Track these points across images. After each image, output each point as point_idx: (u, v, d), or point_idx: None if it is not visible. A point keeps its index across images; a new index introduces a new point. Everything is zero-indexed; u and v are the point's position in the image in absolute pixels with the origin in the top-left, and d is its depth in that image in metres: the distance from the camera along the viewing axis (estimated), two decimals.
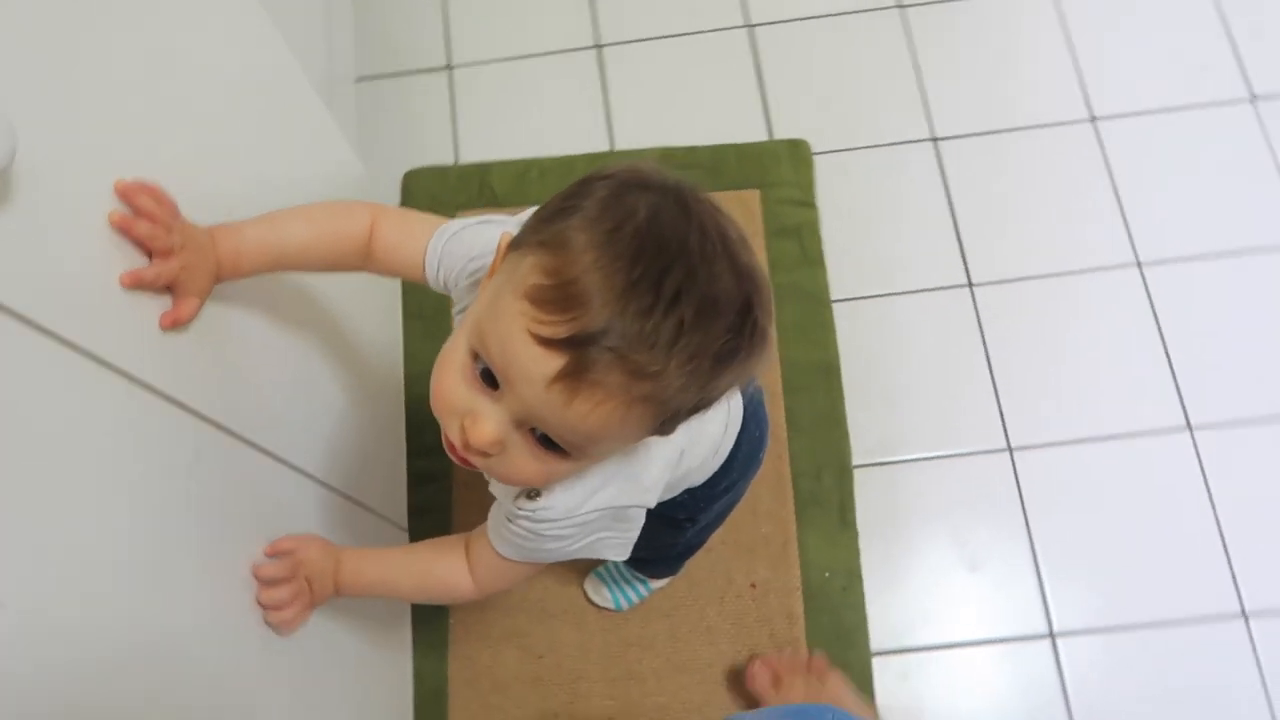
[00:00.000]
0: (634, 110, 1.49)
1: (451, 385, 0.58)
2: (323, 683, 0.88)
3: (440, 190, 1.46)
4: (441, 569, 0.77)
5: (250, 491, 0.77)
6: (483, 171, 1.47)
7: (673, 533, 0.97)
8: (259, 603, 0.74)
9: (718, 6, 1.54)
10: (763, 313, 0.56)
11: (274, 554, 0.76)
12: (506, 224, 0.71)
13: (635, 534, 0.74)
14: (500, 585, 0.77)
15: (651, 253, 0.52)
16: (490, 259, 0.64)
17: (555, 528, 0.69)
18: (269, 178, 0.89)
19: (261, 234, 0.71)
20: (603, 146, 1.47)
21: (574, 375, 0.52)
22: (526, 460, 0.58)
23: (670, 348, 0.52)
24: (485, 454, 0.59)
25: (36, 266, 0.52)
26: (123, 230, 0.61)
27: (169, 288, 0.66)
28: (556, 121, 1.49)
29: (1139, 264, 1.35)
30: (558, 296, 0.52)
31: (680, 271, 0.52)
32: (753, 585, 1.27)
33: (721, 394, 0.59)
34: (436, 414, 0.60)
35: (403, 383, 1.34)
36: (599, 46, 1.53)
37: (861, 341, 1.35)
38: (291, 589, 0.76)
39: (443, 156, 1.48)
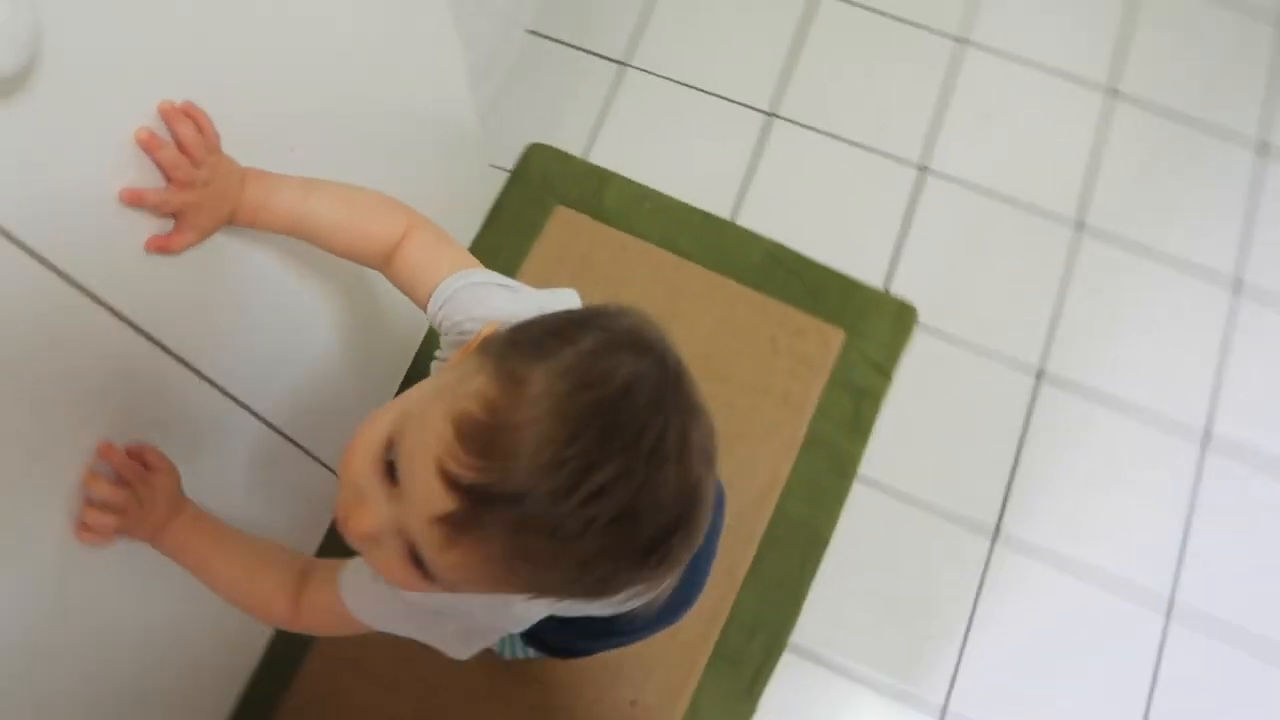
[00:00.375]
0: (771, 192, 1.43)
1: (359, 460, 0.54)
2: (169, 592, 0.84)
3: (556, 176, 1.42)
4: (268, 585, 0.73)
5: (176, 411, 0.74)
6: (603, 178, 1.43)
7: (558, 632, 0.91)
8: (85, 488, 0.67)
9: (902, 135, 1.47)
10: (683, 542, 0.51)
11: (135, 456, 0.70)
12: (522, 304, 0.66)
13: (484, 645, 0.69)
14: (319, 630, 0.74)
15: (597, 433, 0.48)
16: (481, 328, 0.59)
17: (410, 605, 0.65)
18: (359, 99, 0.86)
19: (291, 200, 0.69)
20: (724, 212, 1.42)
21: (460, 526, 0.48)
22: (394, 565, 0.54)
23: (568, 543, 0.48)
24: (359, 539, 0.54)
25: (30, 162, 0.50)
26: (147, 151, 0.59)
27: (173, 215, 0.62)
28: (696, 166, 1.44)
29: (1170, 608, 1.25)
30: (482, 438, 0.48)
31: (616, 467, 0.48)
32: (633, 703, 1.23)
33: (610, 599, 0.53)
34: (339, 477, 0.56)
35: (421, 337, 1.29)
36: (771, 115, 1.47)
37: (864, 529, 1.28)
38: (126, 499, 0.69)
39: (573, 145, 1.44)
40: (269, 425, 0.90)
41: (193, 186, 0.61)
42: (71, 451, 0.66)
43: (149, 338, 0.67)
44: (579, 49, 1.50)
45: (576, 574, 0.49)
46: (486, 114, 1.42)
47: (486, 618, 0.66)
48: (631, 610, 0.83)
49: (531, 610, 0.67)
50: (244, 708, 1.21)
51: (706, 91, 1.48)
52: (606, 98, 1.48)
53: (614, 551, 0.49)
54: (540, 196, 1.42)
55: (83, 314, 0.60)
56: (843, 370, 1.34)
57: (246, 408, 0.84)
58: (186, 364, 0.73)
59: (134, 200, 0.59)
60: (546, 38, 1.50)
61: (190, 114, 0.60)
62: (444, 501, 0.48)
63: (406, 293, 0.72)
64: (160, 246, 0.63)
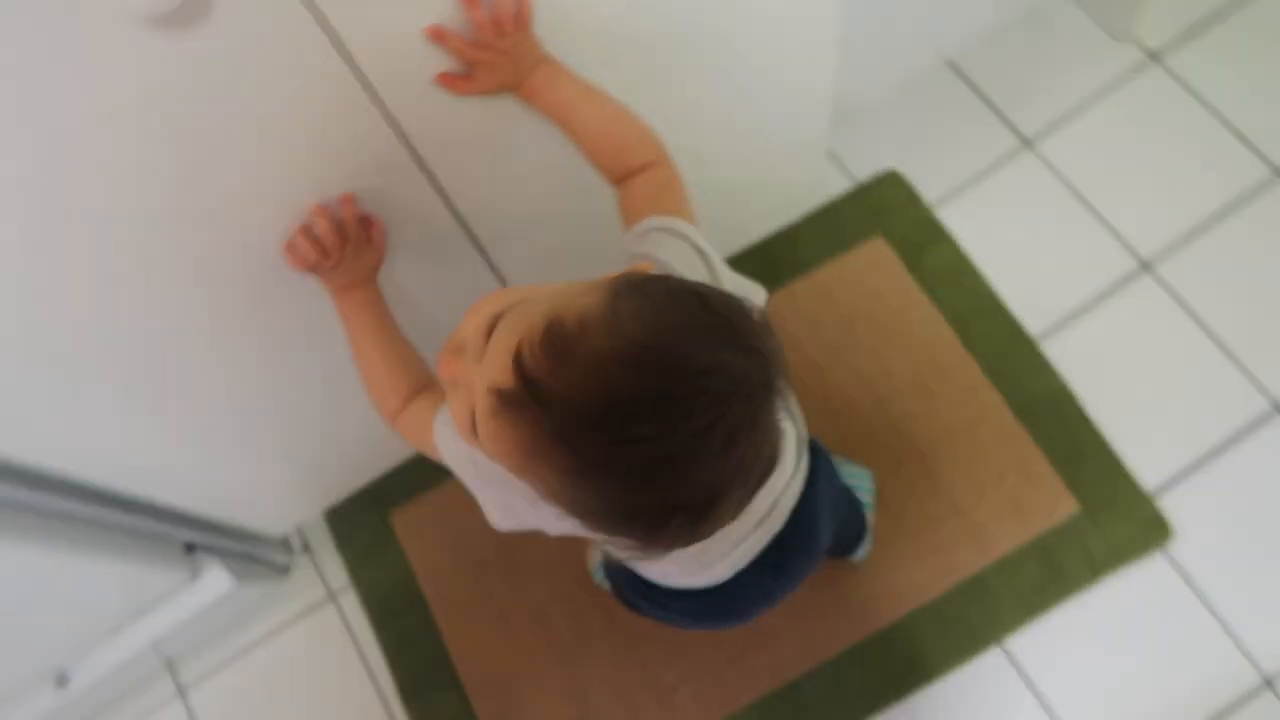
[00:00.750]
0: (1095, 338, 1.38)
1: (472, 320, 0.61)
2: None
3: (895, 209, 1.48)
4: (393, 381, 0.84)
5: (412, 219, 0.91)
6: (938, 235, 1.45)
7: (619, 571, 0.97)
8: (310, 218, 0.80)
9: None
10: (682, 527, 0.56)
11: (364, 223, 0.84)
12: (699, 271, 0.72)
13: (519, 527, 0.77)
14: (405, 438, 0.85)
15: (656, 391, 0.53)
16: (645, 265, 0.66)
17: (475, 460, 0.74)
18: (705, 34, 0.93)
19: (568, 96, 0.79)
20: (1034, 329, 1.40)
21: (506, 403, 0.55)
22: (458, 410, 0.61)
23: (582, 468, 0.54)
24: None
25: None
26: (464, 5, 0.72)
27: (466, 64, 0.76)
28: (1035, 273, 1.43)
29: None
30: (561, 344, 0.54)
31: (656, 429, 0.53)
32: (674, 688, 1.29)
33: (599, 535, 0.59)
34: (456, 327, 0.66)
35: None
36: (1146, 268, 1.39)
37: (973, 695, 1.25)
38: (335, 246, 0.81)
39: (928, 189, 1.47)
40: (495, 272, 1.03)
41: (490, 50, 0.74)
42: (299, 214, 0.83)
43: (412, 150, 0.83)
44: (991, 105, 1.50)
45: (578, 496, 0.56)
46: (863, 114, 1.48)
47: (526, 505, 0.73)
48: (668, 588, 0.88)
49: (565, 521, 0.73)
50: (372, 490, 1.43)
51: (1094, 211, 1.43)
52: (990, 166, 1.47)
53: (615, 498, 0.55)
54: (869, 219, 1.46)
55: (363, 106, 0.76)
56: (1053, 542, 1.27)
57: (482, 250, 0.97)
58: (439, 188, 0.88)
59: (435, 37, 0.72)
60: (964, 78, 1.53)
61: None
62: (504, 376, 0.55)
63: (620, 212, 0.81)
64: (446, 83, 0.76)
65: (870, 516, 1.26)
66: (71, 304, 0.77)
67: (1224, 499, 1.28)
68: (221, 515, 1.24)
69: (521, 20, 0.75)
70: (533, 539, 1.33)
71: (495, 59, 0.75)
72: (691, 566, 0.85)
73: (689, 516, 0.56)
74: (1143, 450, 1.30)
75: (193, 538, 1.19)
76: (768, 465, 0.60)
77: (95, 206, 0.70)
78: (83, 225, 0.71)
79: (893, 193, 1.47)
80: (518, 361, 0.54)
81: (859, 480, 1.28)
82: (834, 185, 1.49)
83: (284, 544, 1.44)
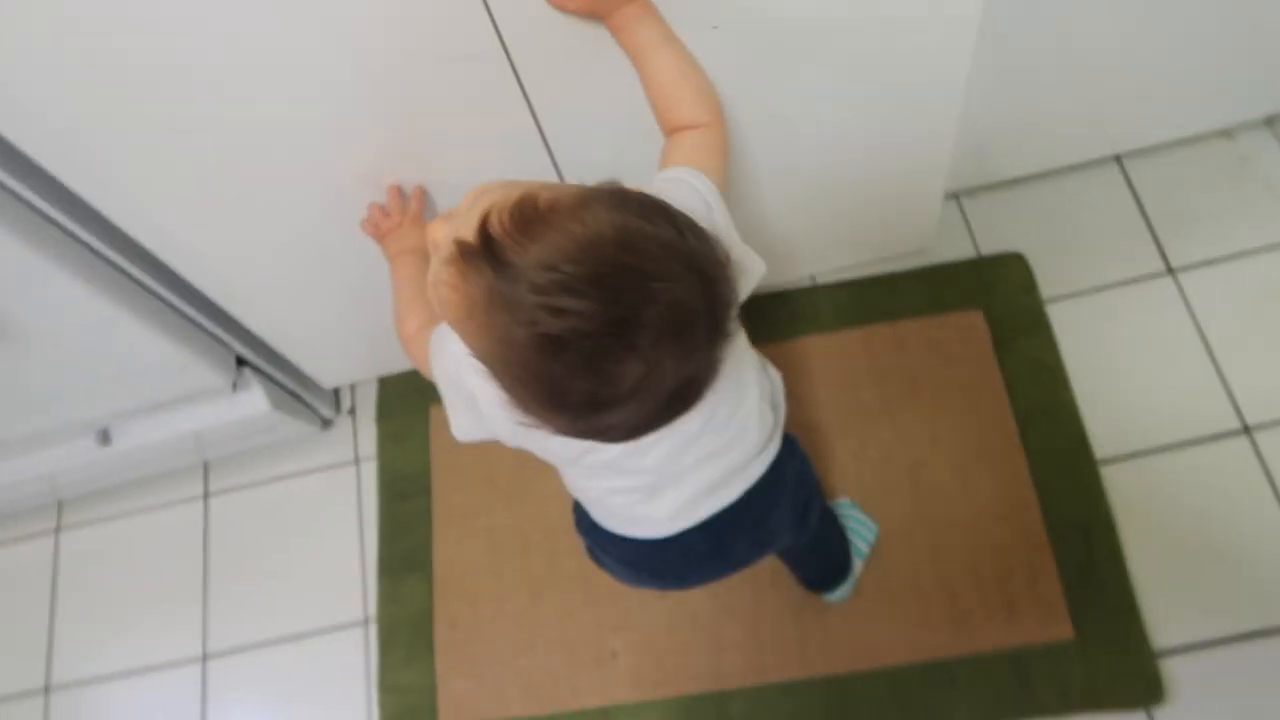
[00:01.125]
0: (1168, 479, 1.34)
1: (469, 196, 0.69)
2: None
3: (1008, 291, 1.49)
4: (413, 311, 1.00)
5: (496, 137, 1.03)
6: (1040, 327, 1.47)
7: (578, 509, 1.04)
8: (388, 195, 1.06)
9: None
10: (582, 407, 0.63)
11: (412, 216, 1.06)
12: (701, 216, 0.77)
13: (476, 436, 0.86)
14: (412, 358, 0.99)
15: (599, 275, 0.60)
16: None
17: (452, 368, 0.84)
18: (832, 38, 0.98)
19: (647, 39, 0.87)
20: (1105, 452, 1.38)
21: (465, 257, 0.63)
22: (435, 264, 0.68)
23: (513, 325, 0.61)
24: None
25: None
26: None
27: None
28: (1130, 394, 1.40)
29: None
30: (526, 217, 0.62)
31: (588, 305, 0.59)
32: (613, 654, 1.36)
33: (508, 402, 0.67)
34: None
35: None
36: (1248, 432, 1.34)
37: None
38: (398, 218, 1.06)
39: (1049, 281, 1.49)
40: None
41: None
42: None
43: (513, 66, 0.92)
44: (1146, 218, 1.50)
45: (498, 350, 0.64)
46: (1009, 186, 1.51)
47: (486, 407, 0.81)
48: (611, 532, 0.94)
49: (517, 434, 0.80)
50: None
51: (1214, 360, 1.39)
52: (1122, 280, 1.46)
53: (526, 359, 0.62)
54: (976, 292, 1.48)
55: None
56: (1034, 660, 1.27)
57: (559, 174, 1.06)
58: (532, 110, 0.98)
59: None
60: (1127, 180, 1.53)
61: None
62: (469, 233, 0.63)
63: (660, 159, 0.88)
64: None
65: (859, 564, 1.28)
66: (228, 119, 0.93)
67: (1231, 687, 1.23)
68: (282, 347, 1.39)
69: None
70: (547, 476, 1.44)
71: None
72: (638, 501, 0.90)
73: (584, 402, 0.63)
74: (1165, 607, 1.27)
75: (246, 354, 1.34)
76: (681, 396, 0.66)
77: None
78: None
79: (1010, 274, 1.48)
80: (484, 222, 0.63)
81: (864, 529, 1.30)
82: (957, 249, 1.52)
83: (334, 398, 1.60)
